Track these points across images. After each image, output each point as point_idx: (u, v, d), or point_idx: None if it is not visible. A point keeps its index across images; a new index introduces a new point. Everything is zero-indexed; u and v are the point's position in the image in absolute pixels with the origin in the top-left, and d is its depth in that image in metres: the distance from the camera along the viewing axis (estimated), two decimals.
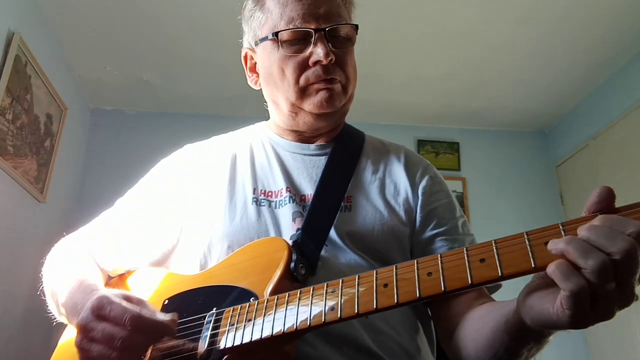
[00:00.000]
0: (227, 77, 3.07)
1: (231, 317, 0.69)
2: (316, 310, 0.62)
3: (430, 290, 0.55)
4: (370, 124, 3.30)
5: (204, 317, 0.72)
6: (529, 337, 0.60)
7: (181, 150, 1.02)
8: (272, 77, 0.90)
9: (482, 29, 2.77)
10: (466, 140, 3.77)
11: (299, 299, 0.64)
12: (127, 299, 0.68)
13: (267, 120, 1.04)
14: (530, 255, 0.51)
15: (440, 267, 0.56)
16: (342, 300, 0.60)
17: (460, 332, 0.76)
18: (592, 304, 0.47)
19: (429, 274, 0.56)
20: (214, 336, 0.68)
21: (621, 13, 2.64)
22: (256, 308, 0.67)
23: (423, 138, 3.73)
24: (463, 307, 0.78)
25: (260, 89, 0.98)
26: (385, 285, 0.58)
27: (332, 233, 0.83)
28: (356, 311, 0.58)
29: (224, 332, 0.68)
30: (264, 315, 0.65)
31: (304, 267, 0.75)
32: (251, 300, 0.70)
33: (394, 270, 0.59)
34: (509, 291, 0.72)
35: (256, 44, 0.93)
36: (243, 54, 0.99)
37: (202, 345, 0.68)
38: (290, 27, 0.86)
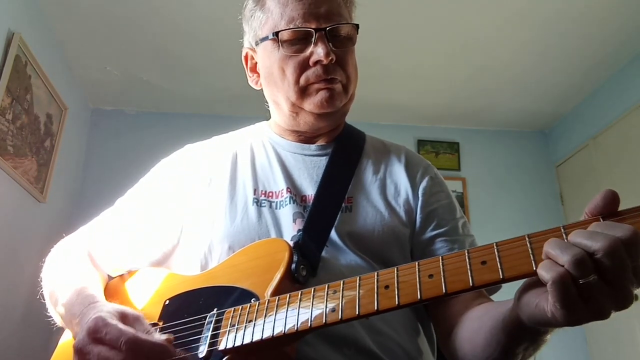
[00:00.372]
0: (227, 77, 3.07)
1: (232, 317, 0.69)
2: (317, 311, 0.62)
3: (431, 292, 0.55)
4: (370, 124, 3.30)
5: (205, 318, 0.72)
6: (526, 336, 0.60)
7: (182, 150, 1.02)
8: (272, 77, 0.90)
9: (482, 29, 2.77)
10: (466, 140, 3.77)
11: (300, 300, 0.64)
12: (123, 317, 0.68)
13: (267, 120, 1.04)
14: (532, 258, 0.51)
15: (441, 269, 0.56)
16: (343, 302, 0.60)
17: (458, 332, 0.76)
18: (582, 298, 0.47)
19: (430, 276, 0.56)
20: (214, 337, 0.68)
21: (621, 13, 2.64)
22: (257, 309, 0.67)
23: (423, 138, 3.73)
24: (461, 308, 0.78)
25: (261, 89, 0.98)
26: (387, 287, 0.58)
27: (333, 234, 0.83)
28: (357, 313, 0.58)
29: (225, 332, 0.68)
30: (265, 316, 0.65)
31: (305, 268, 0.75)
32: (252, 301, 0.70)
33: (395, 272, 0.59)
34: (509, 292, 0.72)
35: (257, 44, 0.93)
36: (244, 54, 0.99)
37: (203, 346, 0.68)
38: (291, 27, 0.86)
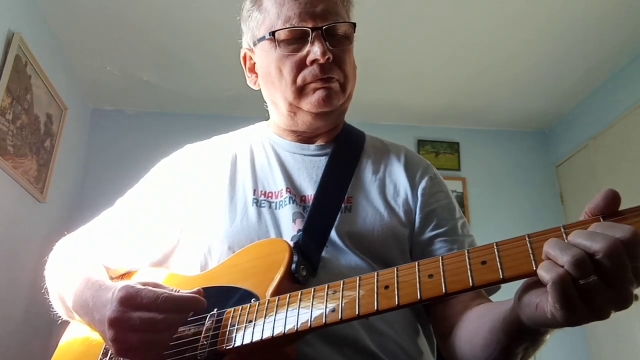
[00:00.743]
0: (227, 77, 3.07)
1: (232, 318, 0.69)
2: (317, 311, 0.62)
3: (431, 292, 0.55)
4: (370, 124, 3.31)
5: (205, 318, 0.72)
6: (525, 336, 0.60)
7: (182, 151, 1.02)
8: (270, 76, 0.90)
9: (482, 29, 2.77)
10: (466, 140, 3.77)
11: (300, 300, 0.64)
12: (146, 284, 0.69)
13: (266, 120, 1.04)
14: (532, 258, 0.51)
15: (441, 269, 0.56)
16: (343, 302, 0.60)
17: (457, 332, 0.76)
18: (582, 299, 0.47)
19: (430, 275, 0.56)
20: (214, 337, 0.68)
21: (621, 13, 2.64)
22: (257, 309, 0.67)
23: (423, 138, 3.73)
24: (460, 308, 0.78)
25: (260, 89, 0.97)
26: (386, 287, 0.58)
27: (333, 234, 0.83)
28: (357, 313, 0.58)
29: (225, 333, 0.68)
30: (265, 316, 0.65)
31: (305, 268, 0.75)
32: (252, 301, 0.70)
33: (395, 272, 0.59)
34: (509, 293, 0.72)
35: (254, 44, 0.93)
36: (242, 54, 0.99)
37: (203, 346, 0.68)
38: (287, 27, 0.85)
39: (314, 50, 0.84)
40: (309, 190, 0.89)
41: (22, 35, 2.29)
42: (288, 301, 0.65)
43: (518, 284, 0.56)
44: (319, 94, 0.86)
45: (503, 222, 3.43)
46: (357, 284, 0.61)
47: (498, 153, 3.77)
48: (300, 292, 0.65)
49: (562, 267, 0.47)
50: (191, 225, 0.90)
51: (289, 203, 0.87)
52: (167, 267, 0.93)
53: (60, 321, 0.90)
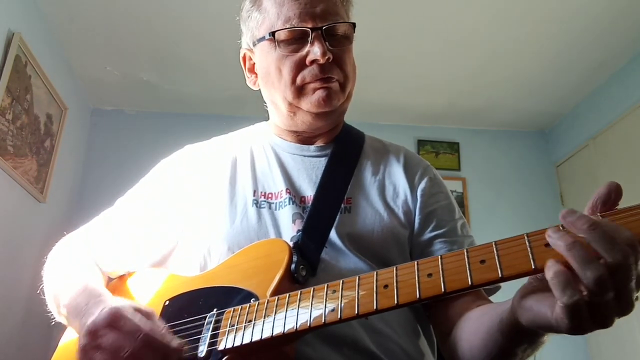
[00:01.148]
0: (227, 77, 3.07)
1: (231, 318, 0.69)
2: (316, 311, 0.62)
3: (430, 291, 0.55)
4: (370, 124, 3.30)
5: (205, 318, 0.72)
6: (523, 337, 0.60)
7: (182, 151, 1.02)
8: (269, 77, 0.90)
9: (482, 29, 2.77)
10: (466, 140, 3.77)
11: (300, 300, 0.64)
12: (139, 312, 0.69)
13: (266, 120, 1.04)
14: (531, 257, 0.51)
15: (440, 268, 0.56)
16: (343, 301, 0.60)
17: (456, 333, 0.76)
18: (591, 314, 0.47)
19: (429, 275, 0.56)
20: (214, 337, 0.68)
21: (621, 13, 2.64)
22: (256, 309, 0.67)
23: (423, 138, 3.73)
24: (460, 309, 0.78)
25: (260, 89, 0.97)
26: (386, 287, 0.58)
27: (332, 234, 0.83)
28: (356, 312, 0.58)
29: (224, 332, 0.68)
30: (264, 316, 0.66)
31: (304, 268, 0.75)
32: (252, 301, 0.70)
33: (394, 271, 0.59)
34: (509, 293, 0.72)
35: (254, 45, 0.93)
36: (241, 54, 0.99)
37: (203, 346, 0.68)
38: (287, 27, 0.85)
39: (314, 51, 0.84)
40: (309, 191, 0.89)
41: (22, 35, 2.29)
42: (287, 301, 0.65)
43: (518, 284, 0.56)
44: (319, 93, 0.86)
45: (503, 222, 3.43)
46: (357, 284, 0.61)
47: (498, 153, 3.77)
48: (299, 292, 0.65)
49: (581, 283, 0.46)
50: (191, 226, 0.90)
51: (289, 204, 0.87)
52: (166, 267, 0.93)
53: (55, 320, 0.90)
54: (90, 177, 3.29)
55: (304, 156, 0.95)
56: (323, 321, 0.60)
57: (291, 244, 0.77)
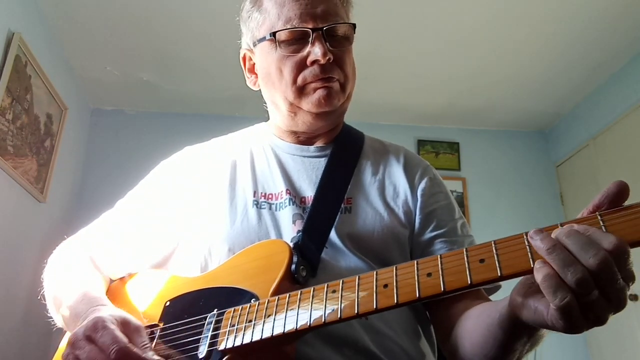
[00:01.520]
0: (227, 77, 3.07)
1: (232, 318, 0.69)
2: (316, 311, 0.62)
3: (429, 290, 0.55)
4: (370, 124, 3.31)
5: (205, 319, 0.72)
6: (523, 332, 0.60)
7: (181, 152, 1.02)
8: (270, 77, 0.90)
9: (482, 29, 2.77)
10: (466, 140, 3.77)
11: (300, 300, 0.64)
12: (125, 324, 0.68)
13: (266, 120, 1.04)
14: (530, 256, 0.51)
15: (439, 268, 0.56)
16: (342, 301, 0.60)
17: (457, 331, 0.76)
18: (583, 313, 0.48)
19: (429, 274, 0.56)
20: (214, 337, 0.69)
21: (621, 13, 2.64)
22: (257, 309, 0.67)
23: (423, 138, 3.74)
24: (460, 308, 0.78)
25: (260, 89, 0.98)
26: (385, 286, 0.58)
27: (333, 235, 0.83)
28: (356, 311, 0.58)
29: (225, 333, 0.68)
30: (265, 316, 0.66)
31: (304, 268, 0.75)
32: (252, 301, 0.70)
33: (394, 270, 0.59)
34: (509, 293, 0.72)
35: (254, 45, 0.93)
36: (242, 55, 0.99)
37: (203, 346, 0.68)
38: (288, 27, 0.86)
39: (315, 51, 0.84)
40: (309, 192, 0.89)
41: (22, 35, 2.29)
42: (288, 301, 0.65)
43: (517, 282, 0.56)
44: (320, 93, 0.86)
45: (503, 222, 3.43)
46: (357, 283, 0.61)
47: (498, 153, 3.78)
48: (299, 292, 0.65)
49: (569, 287, 0.47)
50: (191, 227, 0.90)
51: (289, 204, 0.87)
52: (167, 268, 0.93)
53: (56, 326, 0.90)
54: (90, 177, 3.29)
55: (304, 157, 0.95)
56: (323, 321, 0.60)
57: (291, 244, 0.77)
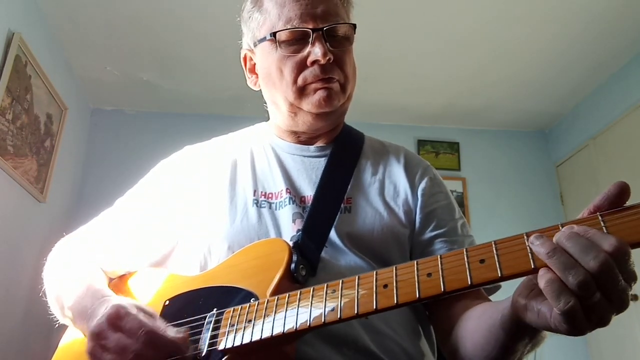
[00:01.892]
0: (227, 77, 3.07)
1: (231, 317, 0.69)
2: (316, 310, 0.62)
3: (429, 291, 0.55)
4: (370, 124, 3.31)
5: (205, 318, 0.72)
6: (524, 333, 0.60)
7: (181, 152, 1.02)
8: (270, 77, 0.90)
9: (482, 29, 2.77)
10: (466, 140, 3.77)
11: (299, 300, 0.64)
12: (140, 309, 0.69)
13: (266, 120, 1.04)
14: (530, 257, 0.51)
15: (440, 268, 0.56)
16: (342, 301, 0.60)
17: (457, 331, 0.76)
18: (586, 315, 0.48)
19: (429, 274, 0.56)
20: (214, 337, 0.68)
21: (621, 13, 2.64)
22: (256, 309, 0.67)
23: (423, 138, 3.74)
24: (460, 309, 0.78)
25: (260, 89, 0.98)
26: (385, 286, 0.58)
27: (332, 234, 0.83)
28: (356, 312, 0.58)
29: (224, 332, 0.68)
30: (264, 316, 0.66)
31: (304, 268, 0.75)
32: (251, 301, 0.70)
33: (394, 271, 0.59)
34: (509, 293, 0.72)
35: (255, 45, 0.94)
36: (242, 55, 0.99)
37: (203, 346, 0.68)
38: (288, 27, 0.86)
39: (315, 51, 0.84)
40: (309, 191, 0.89)
41: (22, 35, 2.29)
42: (287, 301, 0.65)
43: (518, 282, 0.56)
44: (320, 94, 0.86)
45: (503, 222, 3.43)
46: (356, 283, 0.61)
47: (498, 153, 3.78)
48: (299, 292, 0.65)
49: (571, 291, 0.47)
50: (191, 226, 0.90)
51: (289, 203, 0.87)
52: (166, 267, 0.93)
53: (59, 323, 0.90)
54: (90, 177, 3.29)
55: (304, 156, 0.95)
56: (323, 321, 0.60)
57: (291, 243, 0.77)
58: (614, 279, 0.47)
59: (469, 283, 0.53)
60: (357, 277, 0.61)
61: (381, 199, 0.90)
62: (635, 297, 2.78)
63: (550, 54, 2.98)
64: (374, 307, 0.57)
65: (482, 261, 0.54)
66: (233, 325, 0.68)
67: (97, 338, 0.66)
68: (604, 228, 0.49)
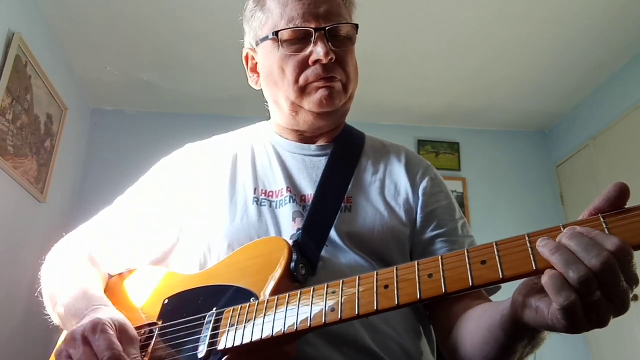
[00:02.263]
0: (227, 77, 3.07)
1: (231, 317, 0.69)
2: (316, 310, 0.61)
3: (430, 291, 0.55)
4: (370, 124, 3.30)
5: (204, 317, 0.72)
6: (523, 333, 0.60)
7: (182, 150, 1.02)
8: (272, 76, 0.90)
9: (482, 29, 2.77)
10: (466, 140, 3.77)
11: (299, 300, 0.64)
12: (122, 332, 0.69)
13: (267, 120, 1.04)
14: (532, 258, 0.51)
15: (440, 269, 0.56)
16: (343, 301, 0.60)
17: (457, 331, 0.76)
18: (586, 314, 0.48)
19: (430, 275, 0.56)
20: (213, 336, 0.68)
21: (621, 13, 2.64)
22: (256, 308, 0.67)
23: (423, 138, 3.73)
24: (461, 309, 0.78)
25: (261, 89, 0.98)
26: (386, 287, 0.58)
27: (332, 233, 0.83)
28: (356, 312, 0.58)
29: (224, 332, 0.67)
30: (264, 315, 0.65)
31: (304, 267, 0.75)
32: (251, 300, 0.70)
33: (395, 271, 0.59)
34: (509, 293, 0.72)
35: (257, 44, 0.94)
36: (244, 54, 0.99)
37: (202, 346, 0.68)
38: (290, 26, 0.86)
39: (317, 51, 0.84)
40: (309, 190, 0.89)
41: (22, 35, 2.29)
42: (287, 300, 0.65)
43: (518, 283, 0.56)
44: (321, 92, 0.86)
45: (503, 222, 3.43)
46: (357, 283, 0.61)
47: (498, 153, 3.78)
48: (299, 292, 0.65)
49: (573, 287, 0.47)
50: (191, 224, 0.90)
51: (289, 202, 0.87)
52: (166, 265, 0.93)
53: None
54: (90, 177, 3.29)
55: (305, 155, 0.95)
56: (323, 321, 0.60)
57: (291, 242, 0.77)
58: (616, 279, 0.47)
59: (470, 284, 0.53)
60: (357, 277, 0.61)
61: (381, 198, 0.90)
62: (635, 297, 2.78)
63: (550, 54, 2.97)
64: (375, 307, 0.57)
65: (483, 262, 0.54)
66: (233, 324, 0.67)
67: (67, 343, 0.67)
68: (606, 229, 0.49)
